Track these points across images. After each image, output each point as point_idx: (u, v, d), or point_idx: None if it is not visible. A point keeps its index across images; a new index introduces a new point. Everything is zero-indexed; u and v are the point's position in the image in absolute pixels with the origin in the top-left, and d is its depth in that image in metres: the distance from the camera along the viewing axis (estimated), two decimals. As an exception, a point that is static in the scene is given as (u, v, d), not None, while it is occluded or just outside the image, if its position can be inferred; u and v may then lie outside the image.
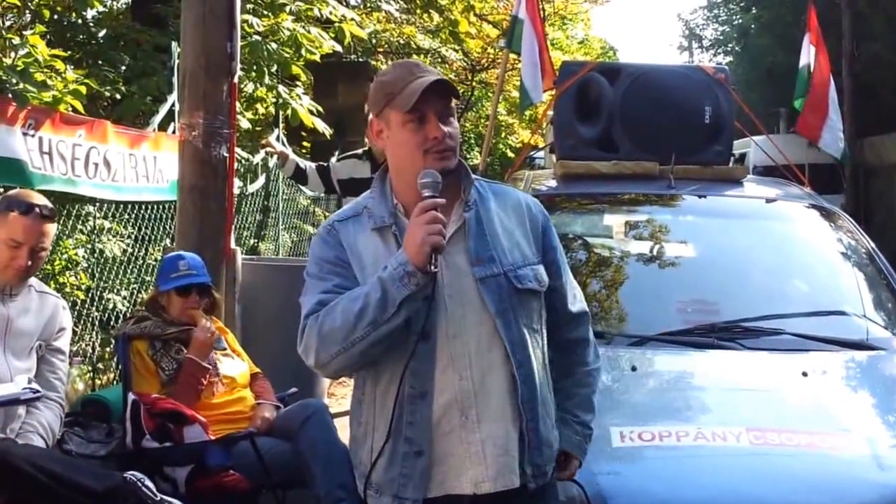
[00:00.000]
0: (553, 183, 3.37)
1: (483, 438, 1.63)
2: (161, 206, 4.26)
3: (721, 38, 23.88)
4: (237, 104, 4.10)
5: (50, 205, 2.50)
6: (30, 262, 2.42)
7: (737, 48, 21.14)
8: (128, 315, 3.17)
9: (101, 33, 5.88)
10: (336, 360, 1.63)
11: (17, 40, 3.89)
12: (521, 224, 1.75)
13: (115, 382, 3.63)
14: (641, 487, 2.02)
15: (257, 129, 6.79)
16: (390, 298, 1.57)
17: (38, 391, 2.29)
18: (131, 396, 2.69)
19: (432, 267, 1.55)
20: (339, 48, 6.41)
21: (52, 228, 2.49)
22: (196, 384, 2.73)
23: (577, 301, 1.84)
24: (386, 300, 1.57)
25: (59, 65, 3.67)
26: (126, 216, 4.09)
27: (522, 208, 1.77)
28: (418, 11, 10.63)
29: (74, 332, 3.43)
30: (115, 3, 7.24)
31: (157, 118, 4.27)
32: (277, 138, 5.72)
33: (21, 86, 3.34)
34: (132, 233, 4.15)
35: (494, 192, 1.77)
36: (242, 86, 5.38)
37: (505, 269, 1.68)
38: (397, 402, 1.63)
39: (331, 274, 1.69)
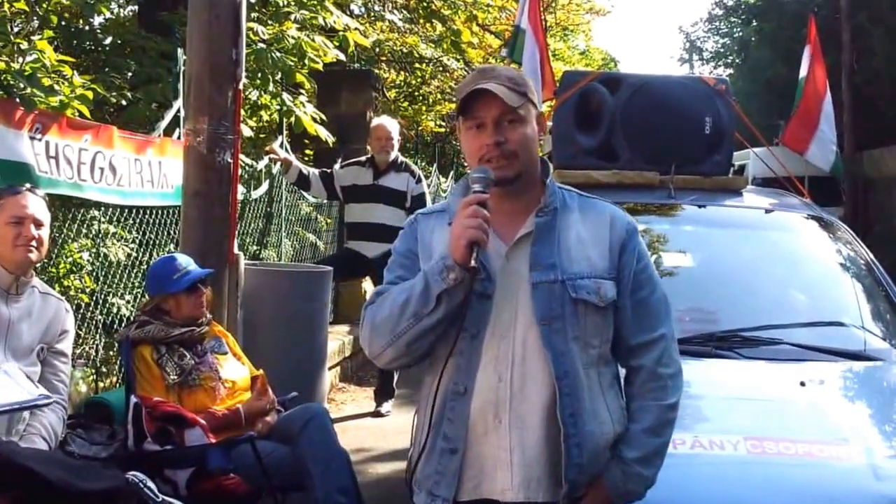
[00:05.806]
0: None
1: (512, 446, 1.60)
2: (165, 211, 4.28)
3: (721, 50, 24.00)
4: (241, 111, 4.12)
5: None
6: (37, 235, 2.49)
7: (737, 60, 21.23)
8: (131, 319, 3.19)
9: (108, 40, 5.92)
10: (386, 352, 1.62)
11: (24, 45, 3.91)
12: (600, 237, 1.68)
13: (118, 385, 3.65)
14: (639, 494, 2.03)
15: (261, 136, 6.82)
16: (431, 292, 1.56)
17: (49, 396, 2.34)
18: (133, 399, 2.71)
19: (473, 262, 1.53)
20: (342, 57, 6.44)
21: (42, 202, 2.58)
22: (225, 423, 2.81)
23: (643, 330, 1.68)
24: (427, 293, 1.56)
25: (67, 70, 3.69)
26: (130, 221, 4.11)
27: (605, 221, 1.70)
28: (421, 21, 10.68)
29: (78, 336, 3.44)
30: (121, 10, 7.29)
31: (163, 124, 4.29)
32: (281, 145, 5.75)
33: (28, 90, 3.35)
34: (136, 237, 4.17)
35: (582, 203, 1.73)
36: (247, 93, 5.40)
37: (564, 277, 1.63)
38: (436, 395, 1.63)
39: (398, 266, 1.70)
